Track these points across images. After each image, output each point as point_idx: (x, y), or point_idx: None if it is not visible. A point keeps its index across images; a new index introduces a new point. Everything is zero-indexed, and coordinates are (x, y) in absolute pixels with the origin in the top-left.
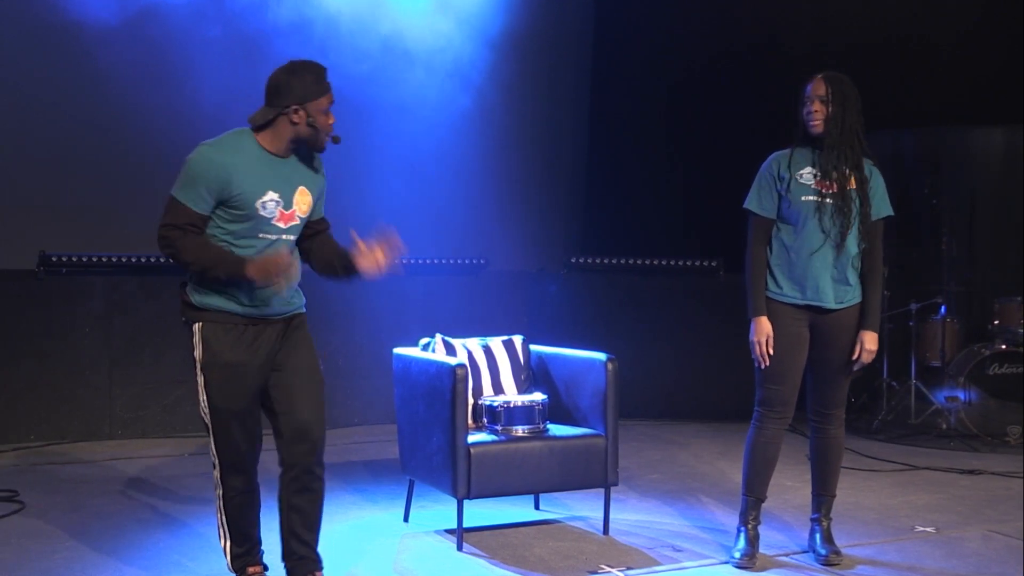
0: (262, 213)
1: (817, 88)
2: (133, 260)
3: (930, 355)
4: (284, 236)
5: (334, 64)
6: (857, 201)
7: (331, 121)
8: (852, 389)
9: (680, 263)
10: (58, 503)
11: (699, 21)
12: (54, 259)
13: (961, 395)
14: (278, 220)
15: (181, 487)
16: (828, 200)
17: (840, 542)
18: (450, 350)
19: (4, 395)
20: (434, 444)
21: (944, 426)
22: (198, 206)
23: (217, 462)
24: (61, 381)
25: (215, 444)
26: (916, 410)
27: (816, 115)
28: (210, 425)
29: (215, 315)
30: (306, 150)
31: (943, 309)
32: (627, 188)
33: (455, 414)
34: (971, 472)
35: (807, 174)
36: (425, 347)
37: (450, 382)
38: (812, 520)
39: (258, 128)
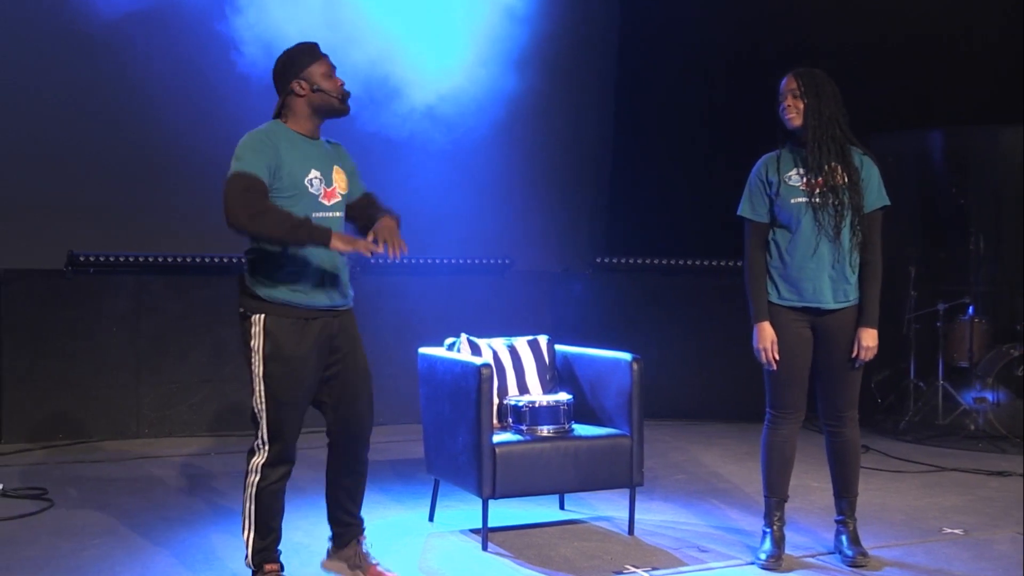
0: (311, 191)
1: (789, 84)
2: (160, 260)
3: (958, 356)
4: (331, 213)
5: (357, 62)
6: (848, 195)
7: (339, 84)
8: (880, 390)
9: (705, 263)
10: (85, 501)
11: (725, 21)
12: (82, 259)
13: (989, 396)
14: (323, 198)
15: (207, 486)
16: (818, 199)
17: (867, 543)
18: (475, 350)
19: (32, 394)
20: (459, 444)
21: (972, 427)
22: (261, 173)
23: (266, 449)
24: (88, 380)
25: (268, 432)
26: (944, 411)
27: (790, 110)
28: (265, 414)
29: (280, 308)
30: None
31: (971, 309)
32: (652, 188)
33: (480, 414)
34: (1000, 474)
35: (795, 176)
36: (450, 347)
37: (475, 382)
38: (837, 522)
39: (279, 115)
